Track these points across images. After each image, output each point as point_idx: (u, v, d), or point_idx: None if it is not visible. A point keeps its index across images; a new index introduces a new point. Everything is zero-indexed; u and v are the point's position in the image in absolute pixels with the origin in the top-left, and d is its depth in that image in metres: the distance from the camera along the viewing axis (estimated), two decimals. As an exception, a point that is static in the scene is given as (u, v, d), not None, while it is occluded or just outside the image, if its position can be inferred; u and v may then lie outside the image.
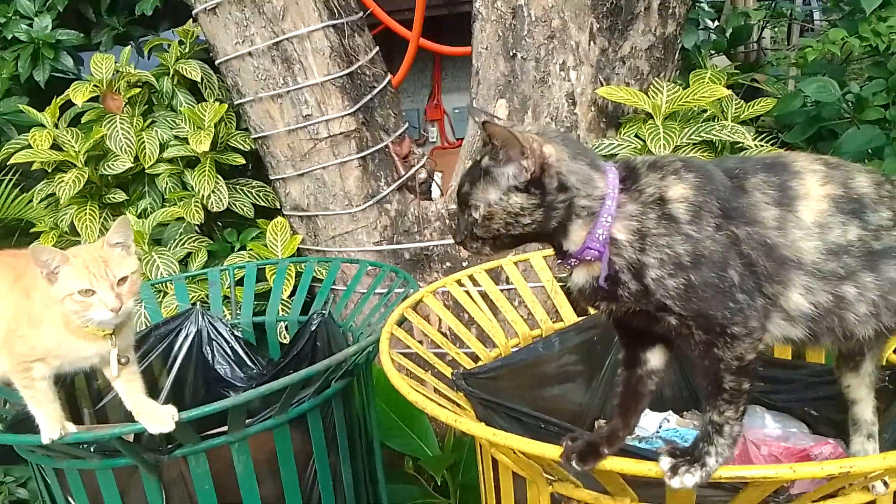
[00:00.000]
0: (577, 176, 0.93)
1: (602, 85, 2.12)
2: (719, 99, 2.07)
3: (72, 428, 1.25)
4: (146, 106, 2.56)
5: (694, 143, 1.98)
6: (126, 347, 1.26)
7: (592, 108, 2.17)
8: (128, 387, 1.28)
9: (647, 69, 2.17)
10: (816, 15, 3.75)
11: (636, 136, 2.06)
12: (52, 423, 1.22)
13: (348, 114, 2.25)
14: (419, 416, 2.09)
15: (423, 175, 2.43)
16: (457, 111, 4.27)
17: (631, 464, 0.93)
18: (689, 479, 0.89)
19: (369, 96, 2.31)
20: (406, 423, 2.04)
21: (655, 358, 1.03)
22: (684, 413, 1.54)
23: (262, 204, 2.49)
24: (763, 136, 2.19)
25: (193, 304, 1.94)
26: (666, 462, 0.91)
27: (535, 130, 0.95)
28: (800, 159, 0.98)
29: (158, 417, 1.23)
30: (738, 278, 0.90)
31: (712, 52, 2.92)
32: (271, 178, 2.42)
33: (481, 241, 0.96)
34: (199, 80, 2.49)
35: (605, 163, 0.97)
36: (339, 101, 2.24)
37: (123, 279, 1.18)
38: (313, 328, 1.79)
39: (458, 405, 1.36)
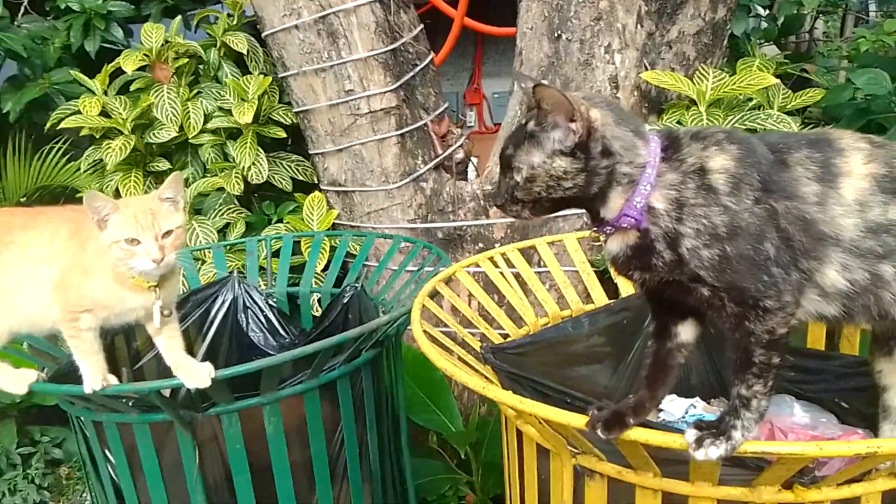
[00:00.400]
0: (621, 142, 0.94)
1: (647, 69, 2.11)
2: (766, 88, 2.05)
3: (113, 380, 1.31)
4: (193, 77, 2.62)
5: (737, 132, 1.96)
6: (169, 302, 1.31)
7: (635, 93, 2.16)
8: (169, 343, 1.33)
9: (693, 55, 2.15)
10: (872, 6, 3.65)
11: (678, 122, 2.05)
12: (95, 374, 1.28)
13: (390, 90, 2.28)
14: (445, 393, 2.12)
15: (460, 155, 2.45)
16: (496, 96, 4.28)
17: (656, 435, 0.95)
18: (713, 451, 0.90)
19: (411, 73, 2.33)
20: (432, 399, 2.08)
21: (686, 331, 1.04)
22: (711, 400, 1.54)
23: (301, 178, 2.54)
24: (810, 126, 2.15)
25: (230, 272, 1.99)
26: (691, 434, 0.93)
27: (581, 95, 0.96)
28: (845, 137, 0.98)
29: (196, 373, 1.28)
30: (773, 252, 0.91)
31: (762, 40, 2.87)
32: (310, 152, 2.46)
33: (521, 203, 0.97)
34: (245, 52, 2.55)
35: (649, 131, 0.98)
36: (381, 77, 2.27)
37: (168, 232, 1.23)
38: (346, 301, 1.82)
39: (487, 378, 1.38)
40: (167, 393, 1.43)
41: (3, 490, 2.84)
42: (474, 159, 2.61)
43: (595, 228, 0.99)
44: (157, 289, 1.26)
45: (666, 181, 0.94)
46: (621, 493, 1.11)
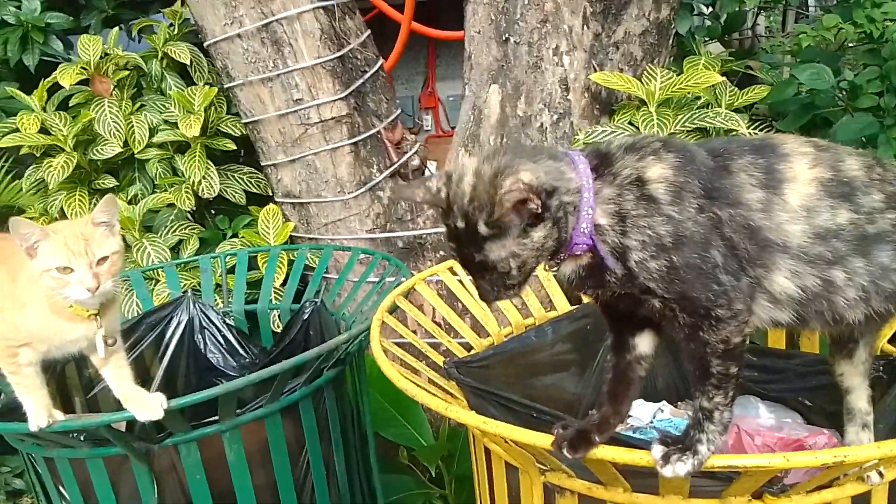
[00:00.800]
0: (552, 175, 0.90)
1: (595, 70, 2.10)
2: (713, 86, 2.05)
3: (59, 416, 1.23)
4: (135, 89, 2.51)
5: (688, 130, 1.96)
6: (112, 330, 1.23)
7: (586, 95, 2.14)
8: (116, 373, 1.26)
9: (640, 55, 2.14)
10: (811, 1, 3.72)
11: (630, 122, 2.04)
12: (39, 411, 1.20)
13: (339, 98, 2.22)
14: (414, 406, 2.08)
15: (416, 162, 2.40)
16: (451, 99, 4.23)
17: (622, 452, 0.92)
18: (680, 467, 0.88)
19: (361, 80, 2.27)
20: (400, 412, 2.03)
21: (644, 343, 1.02)
22: (678, 403, 1.53)
23: (254, 191, 2.46)
24: (757, 123, 2.17)
25: (185, 291, 1.91)
26: (658, 450, 0.90)
27: (483, 155, 0.92)
28: (789, 141, 0.96)
29: (147, 405, 1.21)
30: (721, 259, 0.89)
31: (706, 38, 2.89)
32: (263, 164, 2.38)
33: (517, 285, 0.93)
34: (188, 62, 2.45)
35: (570, 151, 0.95)
36: (330, 86, 2.21)
37: (104, 259, 1.15)
38: (306, 317, 1.77)
39: (451, 394, 1.34)
40: (122, 426, 1.35)
41: (-41, 526, 2.69)
42: (432, 164, 2.58)
43: (549, 260, 0.95)
44: (97, 317, 1.19)
45: (603, 196, 0.91)
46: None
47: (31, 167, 2.43)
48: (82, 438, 1.33)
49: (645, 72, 2.08)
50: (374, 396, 2.01)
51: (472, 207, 0.88)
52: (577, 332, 1.56)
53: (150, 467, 1.35)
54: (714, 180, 0.91)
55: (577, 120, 2.16)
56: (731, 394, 0.91)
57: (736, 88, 2.15)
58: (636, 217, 0.89)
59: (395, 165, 2.33)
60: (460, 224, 0.90)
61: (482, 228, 0.88)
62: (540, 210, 0.87)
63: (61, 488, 1.42)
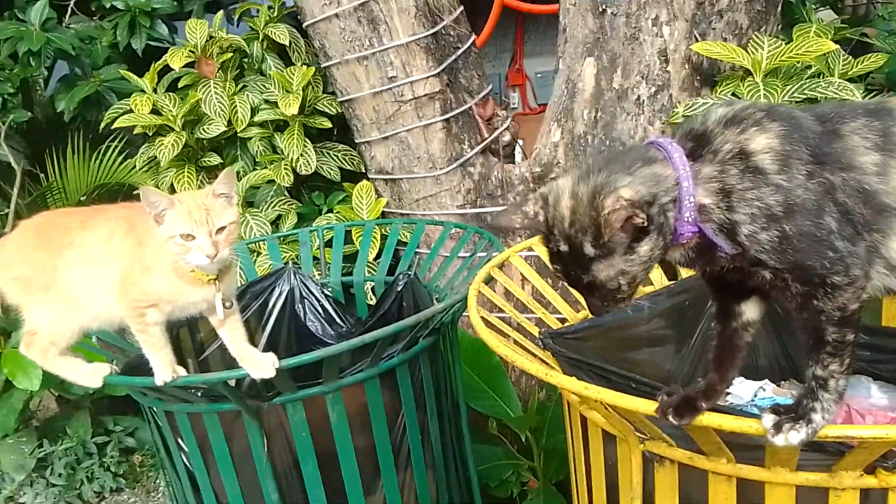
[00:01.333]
0: (649, 182, 0.90)
1: (697, 41, 2.05)
2: (825, 54, 1.96)
3: (182, 372, 1.34)
4: (238, 70, 2.65)
5: (797, 101, 1.89)
6: (229, 294, 1.34)
7: (686, 66, 2.10)
8: (232, 334, 1.36)
9: (746, 23, 2.07)
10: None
11: (733, 94, 1.99)
12: (164, 367, 1.32)
13: (433, 75, 2.26)
14: (502, 379, 2.12)
15: (506, 138, 2.42)
16: (539, 76, 4.21)
17: (731, 420, 0.93)
18: (794, 436, 0.88)
19: (453, 57, 2.31)
20: (490, 386, 2.08)
21: (751, 310, 1.02)
22: (781, 382, 1.50)
23: (349, 168, 2.56)
24: (873, 94, 2.06)
25: (286, 263, 2.02)
26: (769, 419, 0.90)
27: (577, 175, 0.93)
28: None
29: (260, 364, 1.31)
30: (835, 225, 0.87)
31: (817, 5, 2.75)
32: (357, 141, 2.47)
33: (628, 297, 0.95)
34: (287, 43, 2.56)
35: (662, 141, 0.94)
36: (423, 62, 2.26)
37: (222, 228, 1.25)
38: (399, 288, 1.83)
39: (546, 363, 1.37)
40: (233, 383, 1.46)
41: (82, 478, 2.97)
42: (520, 142, 2.59)
43: None
44: (216, 282, 1.29)
45: (704, 176, 0.90)
46: (694, 480, 1.09)
47: (143, 146, 2.62)
48: (200, 394, 1.45)
49: (751, 41, 2.02)
50: (465, 369, 2.07)
51: (575, 230, 0.90)
52: (675, 307, 1.55)
53: (261, 424, 1.46)
54: (823, 145, 0.90)
55: (676, 92, 2.12)
56: (847, 361, 0.89)
57: (850, 57, 2.05)
58: (742, 190, 0.88)
59: (486, 141, 2.36)
60: (563, 247, 0.91)
61: (588, 250, 0.89)
62: (645, 223, 0.87)
63: (180, 441, 1.55)
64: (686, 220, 0.90)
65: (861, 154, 0.89)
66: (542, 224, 0.93)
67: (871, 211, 0.89)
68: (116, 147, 3.24)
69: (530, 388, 2.27)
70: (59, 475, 2.92)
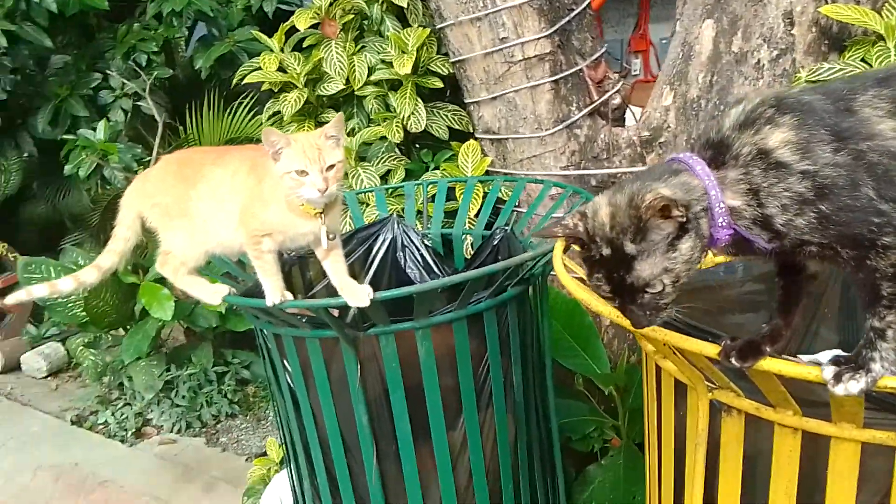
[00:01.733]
0: (681, 189, 0.96)
1: (826, 2, 1.98)
2: (974, 16, 1.84)
3: (289, 296, 1.53)
4: (357, 32, 2.84)
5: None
6: (334, 228, 1.50)
7: (813, 29, 2.03)
8: (334, 266, 1.53)
9: (883, -17, 1.97)
10: None
11: (863, 60, 1.91)
12: (275, 291, 1.51)
13: (544, 36, 2.32)
14: (594, 340, 2.19)
15: (616, 101, 2.45)
16: (664, 41, 4.12)
17: (791, 366, 0.96)
18: (853, 385, 0.91)
19: (566, 19, 2.36)
20: (581, 345, 2.16)
21: (813, 264, 1.04)
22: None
23: (457, 127, 2.68)
24: None
25: (391, 214, 2.18)
26: (829, 370, 0.94)
27: (611, 191, 1.00)
28: None
29: (357, 294, 1.46)
30: (874, 192, 0.90)
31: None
32: (466, 101, 2.58)
33: (671, 304, 1.00)
34: (405, 6, 2.70)
35: (682, 157, 0.99)
36: (535, 24, 2.33)
37: (331, 166, 1.41)
38: (496, 242, 1.94)
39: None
40: (335, 313, 1.63)
41: (202, 402, 3.34)
42: (636, 110, 2.60)
43: None
44: (322, 215, 1.45)
45: (729, 181, 0.96)
46: (759, 435, 1.13)
47: (269, 101, 2.87)
48: (305, 320, 1.64)
49: (886, 4, 1.92)
50: (556, 327, 2.15)
51: (616, 232, 0.96)
52: (771, 273, 1.55)
53: (356, 352, 1.62)
54: (840, 122, 0.93)
55: (800, 56, 2.06)
56: None
57: None
58: (769, 186, 0.94)
59: (595, 104, 2.40)
60: (605, 251, 0.97)
61: (629, 248, 0.95)
62: (685, 219, 0.93)
63: (285, 362, 1.75)
64: (720, 224, 0.96)
65: (876, 123, 0.92)
66: (582, 233, 1.00)
67: None
68: (247, 104, 3.56)
69: (621, 351, 2.32)
70: (183, 397, 3.31)
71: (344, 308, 1.53)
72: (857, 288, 0.95)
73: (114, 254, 1.61)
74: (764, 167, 0.94)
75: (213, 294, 1.57)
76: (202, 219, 1.54)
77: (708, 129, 1.00)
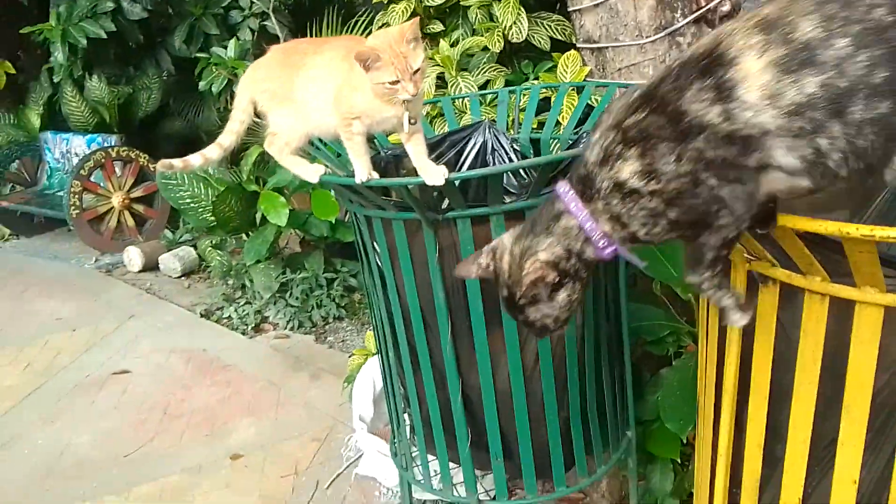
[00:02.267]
0: (563, 238, 1.19)
1: None
2: None
3: (376, 175, 1.75)
4: (465, -57, 2.96)
5: None
6: (416, 113, 1.70)
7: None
8: (415, 149, 1.74)
9: None
10: None
11: None
12: (363, 170, 1.74)
13: (648, -62, 2.36)
14: (676, 247, 2.27)
15: (726, 7, 2.45)
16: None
17: (808, 222, 1.07)
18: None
19: (674, -81, 2.37)
20: (660, 249, 2.24)
21: None
22: None
23: (559, 38, 2.78)
24: None
25: (483, 120, 2.35)
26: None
27: (515, 235, 1.27)
28: (735, 40, 1.01)
29: (433, 173, 1.66)
30: (715, 181, 1.05)
31: None
32: (569, 9, 2.66)
33: (560, 328, 1.30)
34: (513, -86, 2.79)
35: (561, 193, 1.19)
36: (640, -75, 2.36)
37: (417, 70, 1.60)
38: (581, 145, 2.07)
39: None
40: (417, 195, 1.84)
41: (312, 304, 3.75)
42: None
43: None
44: (405, 102, 1.66)
45: (598, 211, 1.15)
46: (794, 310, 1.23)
47: (380, 13, 3.09)
48: (391, 202, 1.86)
49: None
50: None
51: (511, 282, 1.24)
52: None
53: (435, 234, 1.83)
54: (674, 128, 1.04)
55: None
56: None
57: None
58: (627, 211, 1.11)
59: (702, 10, 2.42)
60: (505, 293, 1.27)
61: (519, 299, 1.24)
62: (558, 279, 1.20)
63: (374, 244, 1.99)
64: (601, 246, 1.18)
65: (706, 114, 1.03)
66: (492, 273, 1.29)
67: (741, 146, 1.02)
68: (363, 22, 3.81)
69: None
70: (296, 298, 3.72)
71: (423, 189, 1.74)
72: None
73: (231, 133, 1.91)
74: (621, 196, 1.12)
75: (312, 172, 1.82)
76: (303, 102, 1.79)
77: (578, 164, 1.18)
